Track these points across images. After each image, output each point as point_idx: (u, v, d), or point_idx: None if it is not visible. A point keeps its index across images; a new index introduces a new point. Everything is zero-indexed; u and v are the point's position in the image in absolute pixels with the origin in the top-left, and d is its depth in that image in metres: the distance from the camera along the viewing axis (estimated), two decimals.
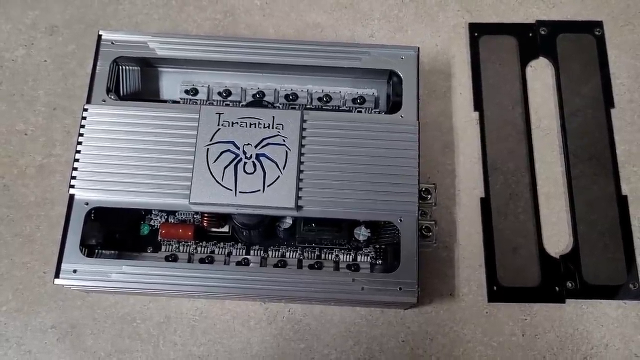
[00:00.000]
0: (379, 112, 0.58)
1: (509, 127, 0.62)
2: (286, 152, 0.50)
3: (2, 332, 0.55)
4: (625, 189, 0.60)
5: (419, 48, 0.55)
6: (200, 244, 0.55)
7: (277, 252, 0.54)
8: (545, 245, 0.58)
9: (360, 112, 0.57)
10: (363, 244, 0.54)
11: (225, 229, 0.54)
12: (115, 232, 0.54)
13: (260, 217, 0.51)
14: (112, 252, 0.54)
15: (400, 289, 0.48)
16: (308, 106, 0.57)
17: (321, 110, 0.57)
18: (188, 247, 0.54)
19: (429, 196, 0.53)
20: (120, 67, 0.56)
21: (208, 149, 0.50)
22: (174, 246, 0.55)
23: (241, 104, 0.57)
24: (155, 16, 0.66)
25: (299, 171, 0.50)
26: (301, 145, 0.51)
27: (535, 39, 0.65)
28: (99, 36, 0.55)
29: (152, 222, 0.55)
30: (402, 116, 0.52)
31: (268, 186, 0.49)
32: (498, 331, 0.56)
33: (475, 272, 0.58)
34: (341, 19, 0.66)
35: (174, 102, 0.58)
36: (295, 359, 0.55)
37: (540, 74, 0.65)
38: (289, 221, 0.53)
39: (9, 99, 0.63)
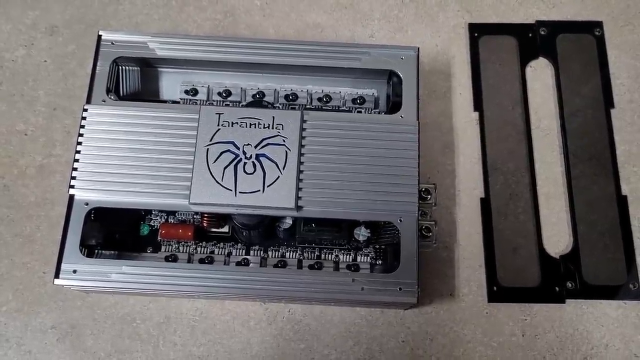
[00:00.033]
0: (379, 113, 0.58)
1: (509, 128, 0.62)
2: (286, 152, 0.50)
3: (2, 333, 0.55)
4: (625, 189, 0.60)
5: (419, 48, 0.55)
6: (200, 244, 0.55)
7: (277, 253, 0.54)
8: (545, 246, 0.58)
9: (360, 112, 0.57)
10: (363, 244, 0.54)
11: (225, 229, 0.54)
12: (115, 232, 0.54)
13: (260, 218, 0.51)
14: (112, 252, 0.54)
15: (400, 289, 0.48)
16: (308, 106, 0.57)
17: (321, 111, 0.57)
18: (188, 248, 0.54)
19: (429, 196, 0.53)
20: (120, 67, 0.56)
21: (208, 149, 0.50)
22: (174, 246, 0.55)
23: (241, 104, 0.57)
24: (155, 16, 0.66)
25: (299, 171, 0.50)
26: (301, 146, 0.51)
27: (535, 39, 0.65)
28: (99, 36, 0.55)
29: (152, 223, 0.55)
30: (402, 116, 0.52)
31: (268, 186, 0.49)
32: (498, 331, 0.56)
33: (475, 273, 0.58)
34: (341, 19, 0.67)
35: (174, 102, 0.58)
36: (295, 359, 0.55)
37: (540, 74, 0.65)
38: (288, 221, 0.53)
39: (9, 99, 0.63)
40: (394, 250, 0.52)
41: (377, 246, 0.55)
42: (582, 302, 0.57)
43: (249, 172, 0.50)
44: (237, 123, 0.51)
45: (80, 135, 0.51)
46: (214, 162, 0.50)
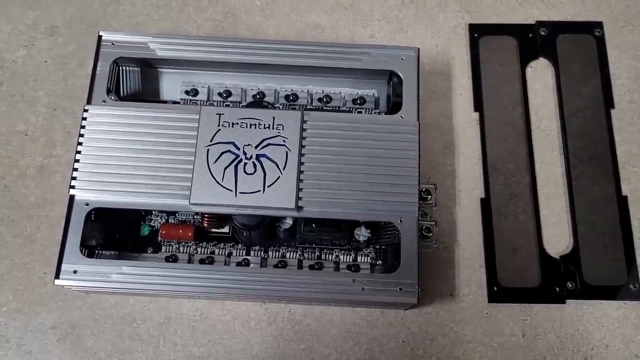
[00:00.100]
0: (379, 113, 0.58)
1: (509, 128, 0.62)
2: (286, 152, 0.50)
3: (2, 333, 0.55)
4: (625, 190, 0.60)
5: (419, 49, 0.55)
6: (201, 244, 0.55)
7: (277, 253, 0.54)
8: (545, 246, 0.58)
9: (361, 112, 0.58)
10: (363, 245, 0.54)
11: (226, 229, 0.55)
12: (116, 232, 0.54)
13: (261, 218, 0.51)
14: (113, 252, 0.54)
15: (400, 289, 0.48)
16: (308, 107, 0.57)
17: (321, 111, 0.57)
18: (188, 248, 0.54)
19: (429, 197, 0.53)
20: (121, 67, 0.56)
21: (208, 149, 0.50)
22: (174, 247, 0.55)
23: (241, 104, 0.57)
24: (156, 17, 0.66)
25: (299, 172, 0.50)
26: (301, 146, 0.51)
27: (535, 40, 0.65)
28: (99, 37, 0.55)
29: (152, 223, 0.55)
30: (402, 117, 0.53)
31: (268, 187, 0.49)
32: (498, 332, 0.56)
33: (475, 273, 0.58)
34: (341, 20, 0.67)
35: (174, 102, 0.58)
36: (295, 359, 0.55)
37: (540, 75, 0.65)
38: (289, 222, 0.53)
39: (9, 100, 0.63)
40: (394, 250, 0.52)
41: (378, 246, 0.55)
42: (582, 303, 0.57)
43: (249, 172, 0.50)
44: (237, 123, 0.51)
45: (81, 135, 0.51)
46: (215, 162, 0.50)
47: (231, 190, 0.49)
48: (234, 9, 0.67)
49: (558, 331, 0.56)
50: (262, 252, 0.54)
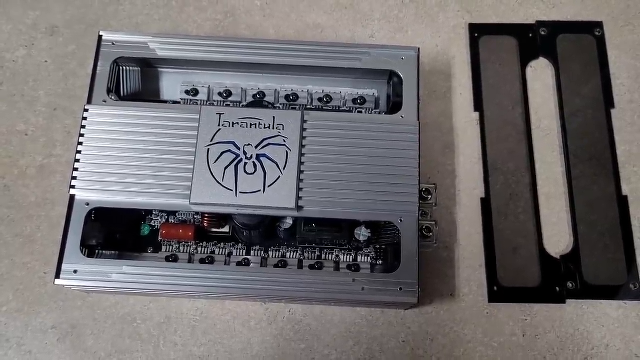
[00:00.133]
0: (380, 113, 0.58)
1: (509, 128, 0.62)
2: (287, 152, 0.50)
3: (2, 333, 0.55)
4: (625, 190, 0.60)
5: (419, 48, 0.55)
6: (201, 244, 0.55)
7: (277, 253, 0.54)
8: (545, 246, 0.58)
9: (361, 112, 0.58)
10: (363, 244, 0.54)
11: (226, 229, 0.55)
12: (116, 232, 0.54)
13: (261, 218, 0.51)
14: (113, 252, 0.54)
15: (400, 289, 0.48)
16: (308, 107, 0.57)
17: (322, 111, 0.57)
18: (188, 248, 0.54)
19: (430, 196, 0.53)
20: (121, 67, 0.56)
21: (209, 149, 0.50)
22: (175, 246, 0.55)
23: (242, 104, 0.57)
24: (156, 17, 0.66)
25: (300, 171, 0.50)
26: (302, 146, 0.51)
27: (535, 40, 0.65)
28: (100, 37, 0.55)
29: (152, 223, 0.55)
30: (402, 117, 0.53)
31: (269, 186, 0.49)
32: (498, 331, 0.56)
33: (475, 273, 0.58)
34: (341, 20, 0.67)
35: (175, 102, 0.58)
36: (295, 359, 0.55)
37: (541, 75, 0.65)
38: (289, 221, 0.53)
39: (9, 100, 0.63)
40: (395, 250, 0.52)
41: (378, 246, 0.55)
42: (582, 302, 0.57)
43: (249, 172, 0.50)
44: (237, 123, 0.51)
45: (81, 135, 0.51)
46: (215, 162, 0.50)
47: (231, 190, 0.49)
48: (234, 9, 0.67)
49: (558, 331, 0.56)
50: (262, 252, 0.54)
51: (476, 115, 0.63)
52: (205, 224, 0.53)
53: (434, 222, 0.52)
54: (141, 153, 0.51)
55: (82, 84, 0.63)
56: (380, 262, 0.54)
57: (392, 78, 0.56)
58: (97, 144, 0.51)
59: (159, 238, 0.55)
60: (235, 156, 0.50)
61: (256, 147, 0.50)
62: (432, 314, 0.56)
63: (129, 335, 0.55)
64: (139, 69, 0.57)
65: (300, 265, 0.54)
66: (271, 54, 0.54)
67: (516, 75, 0.64)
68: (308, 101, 0.57)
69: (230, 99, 0.57)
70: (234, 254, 0.54)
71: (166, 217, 0.56)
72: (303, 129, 0.51)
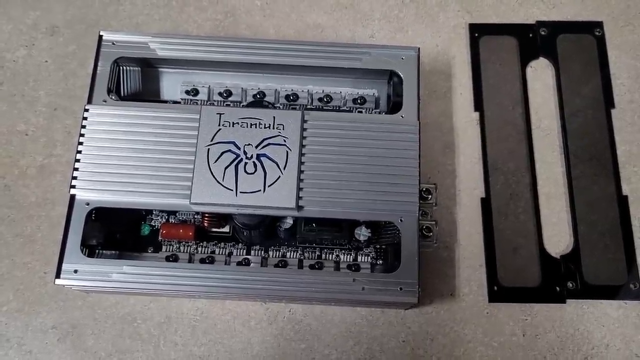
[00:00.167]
0: (380, 113, 0.58)
1: (509, 128, 0.62)
2: (287, 152, 0.50)
3: (3, 333, 0.55)
4: (625, 189, 0.60)
5: (419, 48, 0.55)
6: (201, 244, 0.55)
7: (277, 252, 0.55)
8: (545, 246, 0.58)
9: (361, 112, 0.58)
10: (364, 244, 0.54)
11: (226, 229, 0.55)
12: (116, 232, 0.55)
13: (261, 217, 0.51)
14: (113, 252, 0.54)
15: (400, 289, 0.48)
16: (309, 106, 0.57)
17: (322, 111, 0.57)
18: (189, 247, 0.54)
19: (430, 196, 0.53)
20: (121, 67, 0.56)
21: (209, 149, 0.50)
22: (175, 246, 0.55)
23: (242, 104, 0.57)
24: (156, 17, 0.66)
25: (300, 171, 0.50)
26: (302, 146, 0.51)
27: (535, 40, 0.65)
28: (100, 37, 0.55)
29: (152, 222, 0.55)
30: (402, 116, 0.53)
31: (269, 186, 0.49)
32: (499, 331, 0.56)
33: (475, 272, 0.58)
34: (341, 20, 0.67)
35: (175, 102, 0.58)
36: (296, 359, 0.55)
37: (541, 75, 0.65)
38: (289, 221, 0.53)
39: (9, 100, 0.63)
40: (395, 250, 0.52)
41: (378, 246, 0.55)
42: (582, 302, 0.57)
43: (249, 172, 0.50)
44: (237, 123, 0.51)
45: (81, 135, 0.51)
46: (215, 162, 0.50)
47: (232, 190, 0.49)
48: (234, 9, 0.67)
49: (558, 331, 0.56)
50: (262, 252, 0.54)
51: (476, 115, 0.63)
52: (206, 224, 0.53)
53: (434, 222, 0.52)
54: (141, 153, 0.51)
55: (83, 84, 0.63)
56: (381, 262, 0.55)
57: (392, 78, 0.56)
58: (98, 143, 0.51)
59: (159, 238, 0.55)
60: (235, 156, 0.50)
61: (256, 146, 0.50)
62: (432, 313, 0.56)
63: (129, 335, 0.55)
64: (139, 68, 0.57)
65: (300, 265, 0.54)
66: (271, 54, 0.54)
67: (516, 75, 0.64)
68: (308, 101, 0.57)
69: (230, 98, 0.57)
70: (234, 253, 0.54)
71: (166, 217, 0.56)
72: (303, 129, 0.51)
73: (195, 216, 0.55)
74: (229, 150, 0.50)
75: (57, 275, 0.48)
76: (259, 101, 0.57)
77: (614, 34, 0.66)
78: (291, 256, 0.54)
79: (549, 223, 0.59)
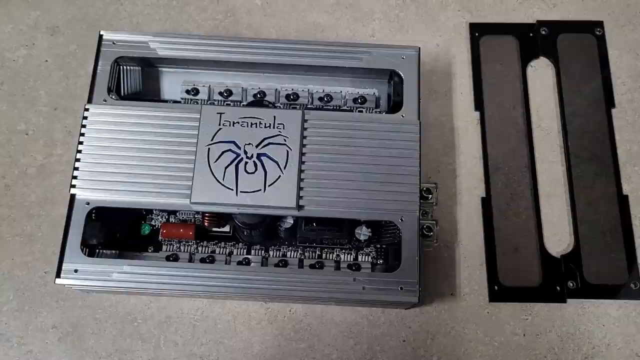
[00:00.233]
0: (380, 112, 0.58)
1: (509, 127, 0.62)
2: (287, 151, 0.50)
3: (3, 332, 0.55)
4: (626, 189, 0.60)
5: (419, 48, 0.55)
6: (201, 243, 0.55)
7: (278, 252, 0.54)
8: (546, 245, 0.58)
9: (361, 111, 0.58)
10: (364, 244, 0.54)
11: (227, 228, 0.55)
12: (116, 231, 0.54)
13: (262, 217, 0.51)
14: (113, 251, 0.54)
15: (401, 288, 0.48)
16: (309, 106, 0.57)
17: (322, 110, 0.57)
18: (189, 247, 0.54)
19: (430, 196, 0.53)
20: (121, 67, 0.56)
21: (209, 148, 0.50)
22: (175, 246, 0.55)
23: (242, 103, 0.57)
24: (156, 16, 0.66)
25: (300, 171, 0.50)
26: (302, 145, 0.51)
27: (535, 39, 0.65)
28: (100, 36, 0.55)
29: (153, 222, 0.55)
30: (403, 116, 0.53)
31: (269, 186, 0.49)
32: (499, 331, 0.56)
33: (476, 272, 0.58)
34: (342, 19, 0.67)
35: (175, 102, 0.58)
36: (296, 358, 0.55)
37: (541, 74, 0.65)
38: (290, 221, 0.53)
39: (10, 99, 0.63)
40: (395, 249, 0.52)
41: (378, 245, 0.55)
42: (583, 302, 0.57)
43: (250, 171, 0.50)
44: (238, 123, 0.51)
45: (82, 134, 0.51)
46: (215, 161, 0.50)
47: (232, 189, 0.49)
48: (234, 8, 0.67)
49: (559, 330, 0.56)
50: (263, 251, 0.54)
51: (477, 114, 0.63)
52: (206, 223, 0.53)
53: (434, 222, 0.52)
54: (142, 152, 0.51)
55: (83, 84, 0.63)
56: (381, 261, 0.54)
57: (393, 77, 0.56)
58: (98, 143, 0.51)
59: (160, 237, 0.55)
60: (235, 155, 0.50)
61: (257, 146, 0.50)
62: (433, 313, 0.56)
63: (130, 334, 0.55)
64: (140, 68, 0.57)
65: (300, 265, 0.54)
66: (272, 53, 0.54)
67: (517, 74, 0.64)
68: (308, 100, 0.57)
69: (230, 98, 0.57)
70: (235, 253, 0.54)
71: (166, 217, 0.56)
72: (303, 128, 0.51)
73: (196, 216, 0.55)
74: (229, 150, 0.50)
75: (58, 275, 0.48)
76: (259, 101, 0.57)
77: (614, 34, 0.66)
78: (291, 256, 0.54)
79: (550, 222, 0.59)
